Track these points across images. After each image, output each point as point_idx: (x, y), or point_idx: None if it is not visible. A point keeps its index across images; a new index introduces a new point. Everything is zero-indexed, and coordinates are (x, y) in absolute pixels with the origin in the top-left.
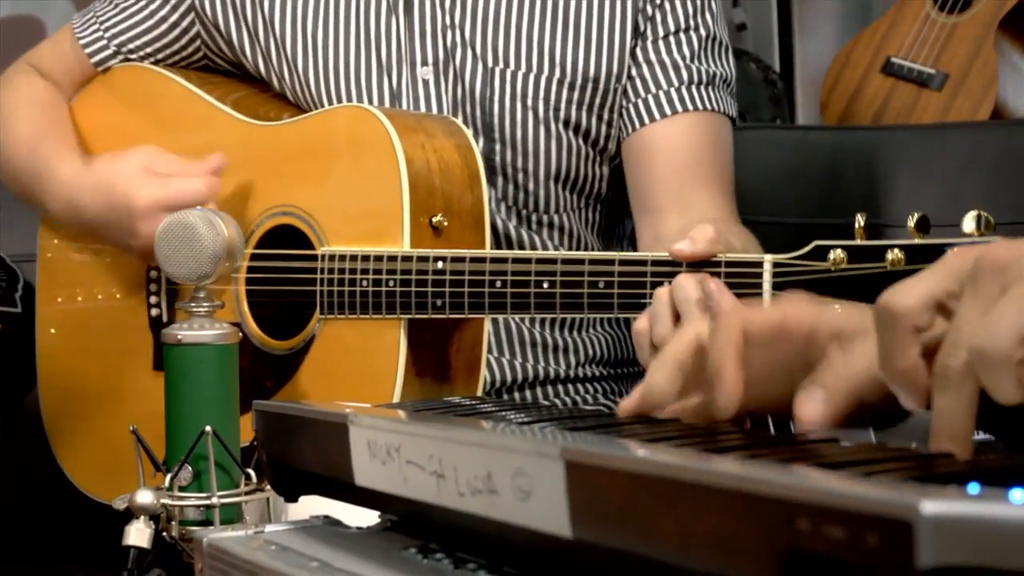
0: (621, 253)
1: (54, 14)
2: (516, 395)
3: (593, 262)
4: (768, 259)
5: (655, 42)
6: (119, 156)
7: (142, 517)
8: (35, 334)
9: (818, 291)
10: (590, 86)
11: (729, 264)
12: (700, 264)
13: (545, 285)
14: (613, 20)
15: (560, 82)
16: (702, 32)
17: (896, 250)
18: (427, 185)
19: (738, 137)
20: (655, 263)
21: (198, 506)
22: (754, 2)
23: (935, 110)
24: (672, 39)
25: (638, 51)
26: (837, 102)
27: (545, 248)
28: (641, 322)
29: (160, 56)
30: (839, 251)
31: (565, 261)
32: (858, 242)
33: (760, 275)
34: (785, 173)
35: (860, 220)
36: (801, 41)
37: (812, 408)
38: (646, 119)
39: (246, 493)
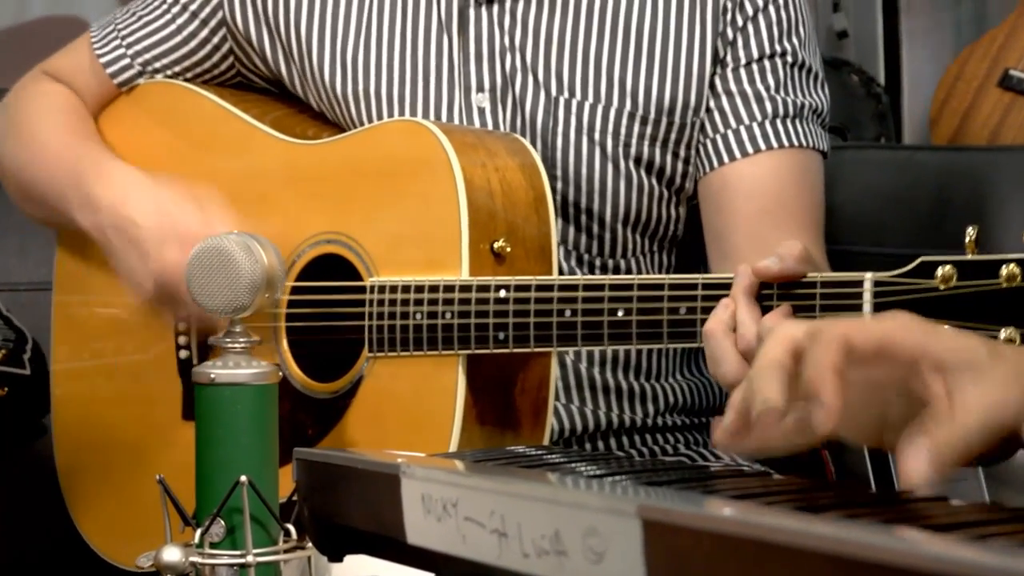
0: (704, 276)
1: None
2: (588, 445)
3: (673, 287)
4: (869, 277)
5: (736, 70)
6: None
7: None
8: (47, 395)
9: (925, 312)
10: (664, 119)
11: (825, 284)
12: (791, 285)
13: (620, 313)
14: (691, 46)
15: (631, 115)
16: (788, 59)
17: (1012, 264)
18: (488, 208)
19: (837, 157)
20: None
21: (232, 565)
22: (857, 7)
23: None
24: (755, 67)
25: (717, 80)
26: (949, 119)
27: None
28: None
29: (190, 74)
30: (948, 267)
31: (642, 286)
32: (969, 257)
33: (860, 295)
34: (890, 198)
35: (971, 233)
36: (909, 51)
37: (918, 465)
38: (725, 157)
39: (285, 551)
